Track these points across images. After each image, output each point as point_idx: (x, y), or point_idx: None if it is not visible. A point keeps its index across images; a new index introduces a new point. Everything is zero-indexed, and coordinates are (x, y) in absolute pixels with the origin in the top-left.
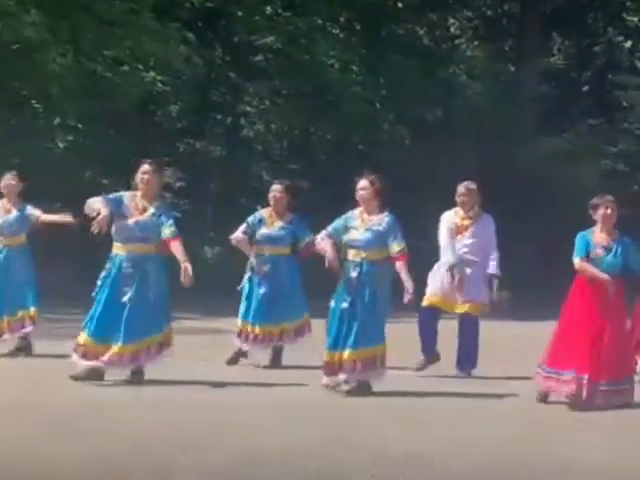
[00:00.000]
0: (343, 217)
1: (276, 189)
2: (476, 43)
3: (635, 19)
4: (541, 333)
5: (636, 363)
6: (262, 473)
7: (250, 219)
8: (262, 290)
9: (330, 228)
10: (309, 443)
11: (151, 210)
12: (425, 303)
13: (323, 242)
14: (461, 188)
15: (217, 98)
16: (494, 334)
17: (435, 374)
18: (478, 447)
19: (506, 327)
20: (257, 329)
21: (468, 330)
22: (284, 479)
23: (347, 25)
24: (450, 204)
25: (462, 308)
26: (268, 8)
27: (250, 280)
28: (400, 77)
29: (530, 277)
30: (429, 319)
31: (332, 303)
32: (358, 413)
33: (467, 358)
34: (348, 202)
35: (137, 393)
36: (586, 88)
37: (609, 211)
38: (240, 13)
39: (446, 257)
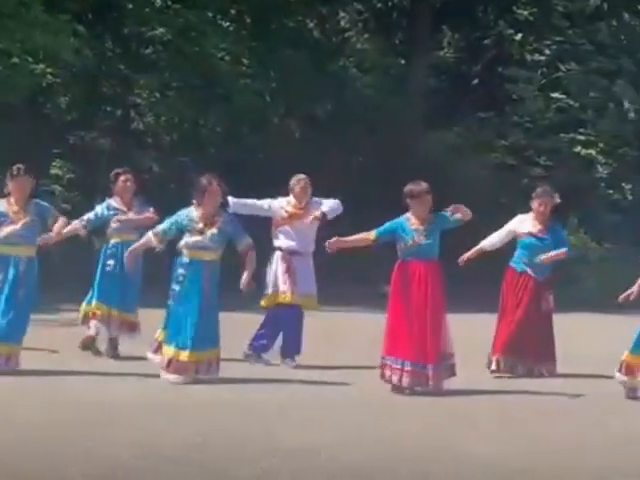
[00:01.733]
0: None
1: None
2: (366, 36)
3: (525, 12)
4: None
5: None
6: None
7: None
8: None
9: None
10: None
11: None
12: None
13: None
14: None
15: (107, 90)
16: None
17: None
18: (366, 440)
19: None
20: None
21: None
22: (167, 469)
23: (237, 18)
24: (336, 196)
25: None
26: (158, 0)
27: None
28: (290, 70)
29: None
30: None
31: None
32: (245, 408)
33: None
34: (239, 194)
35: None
36: (476, 81)
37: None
38: (130, 5)
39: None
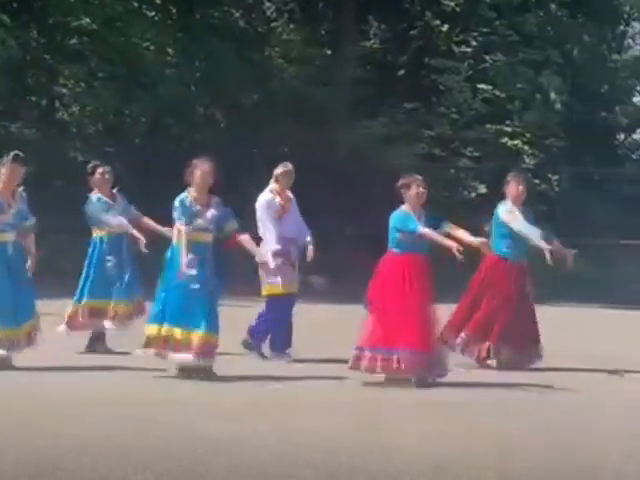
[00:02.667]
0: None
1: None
2: (292, 26)
3: (452, 3)
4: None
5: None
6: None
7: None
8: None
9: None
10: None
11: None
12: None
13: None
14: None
15: (32, 80)
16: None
17: None
18: (301, 434)
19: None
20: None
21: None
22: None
23: (162, 8)
24: (262, 186)
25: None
26: None
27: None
28: (215, 60)
29: (347, 260)
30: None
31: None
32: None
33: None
34: (164, 184)
35: None
36: (402, 72)
37: (421, 189)
38: None
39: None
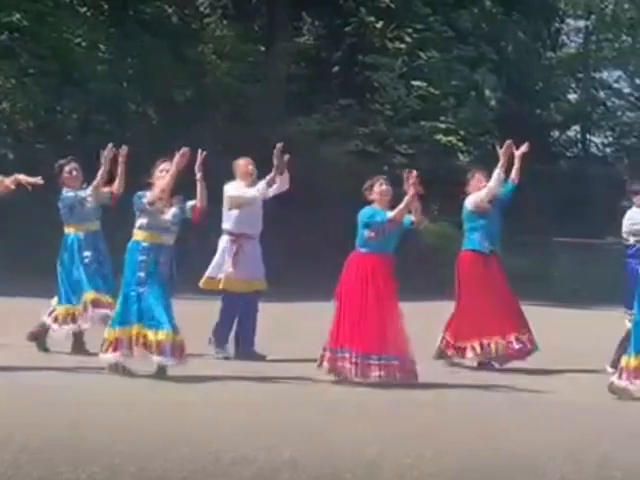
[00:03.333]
0: None
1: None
2: (226, 22)
3: (387, 0)
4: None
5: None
6: None
7: None
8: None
9: None
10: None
11: None
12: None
13: None
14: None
15: None
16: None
17: None
18: (243, 430)
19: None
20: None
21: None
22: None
23: (94, 4)
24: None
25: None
26: None
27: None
28: (148, 56)
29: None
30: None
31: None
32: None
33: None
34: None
35: None
36: (337, 68)
37: (384, 187)
38: None
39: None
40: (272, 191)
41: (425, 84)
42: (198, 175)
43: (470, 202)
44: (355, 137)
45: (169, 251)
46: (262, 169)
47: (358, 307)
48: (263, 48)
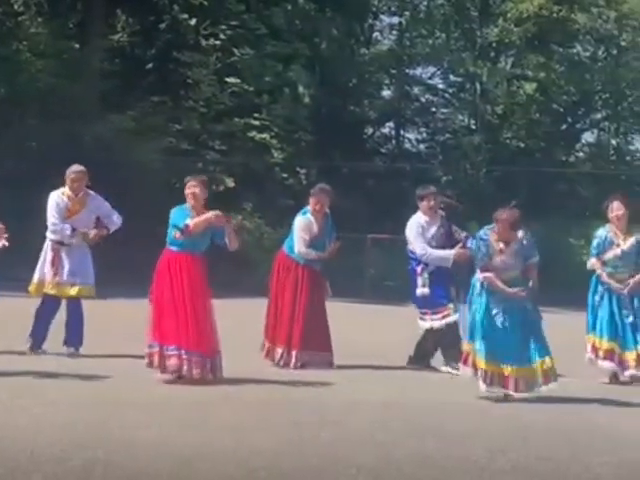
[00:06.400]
0: None
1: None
2: (40, 20)
3: None
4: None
5: None
6: None
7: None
8: None
9: None
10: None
11: None
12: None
13: None
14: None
15: None
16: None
17: None
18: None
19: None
20: None
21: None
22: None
23: None
24: (9, 181)
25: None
26: None
27: None
28: None
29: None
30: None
31: None
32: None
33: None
34: None
35: None
36: (151, 65)
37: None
38: None
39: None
40: None
41: (239, 81)
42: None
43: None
44: (169, 134)
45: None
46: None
47: (171, 304)
48: (78, 45)
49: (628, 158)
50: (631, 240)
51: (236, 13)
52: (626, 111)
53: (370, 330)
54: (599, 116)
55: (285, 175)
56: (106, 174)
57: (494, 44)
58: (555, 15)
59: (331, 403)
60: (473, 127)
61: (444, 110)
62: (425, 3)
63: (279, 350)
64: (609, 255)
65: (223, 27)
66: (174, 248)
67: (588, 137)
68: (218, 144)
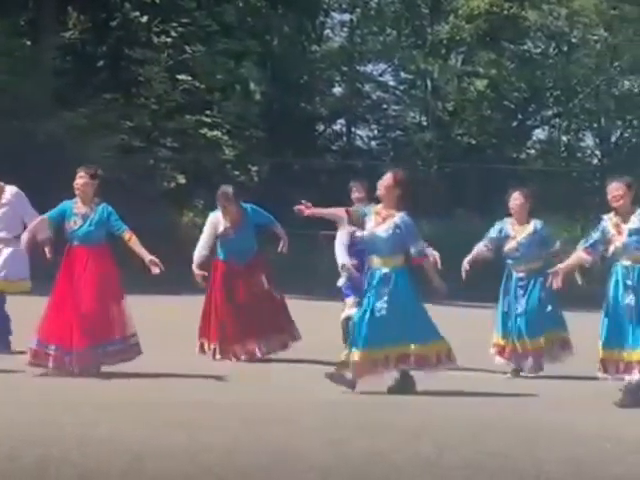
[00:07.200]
0: None
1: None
2: None
3: None
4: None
5: None
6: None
7: None
8: None
9: None
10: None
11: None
12: None
13: None
14: None
15: None
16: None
17: None
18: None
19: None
20: None
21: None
22: None
23: None
24: None
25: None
26: None
27: None
28: None
29: None
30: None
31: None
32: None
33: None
34: None
35: None
36: (102, 63)
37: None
38: None
39: None
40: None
41: (190, 78)
42: None
43: None
44: (121, 131)
45: None
46: (28, 166)
47: (57, 301)
48: (29, 42)
49: (579, 155)
50: (528, 230)
51: (187, 10)
52: (577, 108)
53: (321, 328)
54: (550, 113)
55: (237, 172)
56: (58, 171)
57: (445, 41)
58: (506, 12)
59: (283, 401)
60: (424, 124)
61: (395, 107)
62: (376, 0)
63: (212, 346)
64: (505, 248)
65: (174, 24)
66: (75, 243)
67: (539, 134)
68: (170, 141)
